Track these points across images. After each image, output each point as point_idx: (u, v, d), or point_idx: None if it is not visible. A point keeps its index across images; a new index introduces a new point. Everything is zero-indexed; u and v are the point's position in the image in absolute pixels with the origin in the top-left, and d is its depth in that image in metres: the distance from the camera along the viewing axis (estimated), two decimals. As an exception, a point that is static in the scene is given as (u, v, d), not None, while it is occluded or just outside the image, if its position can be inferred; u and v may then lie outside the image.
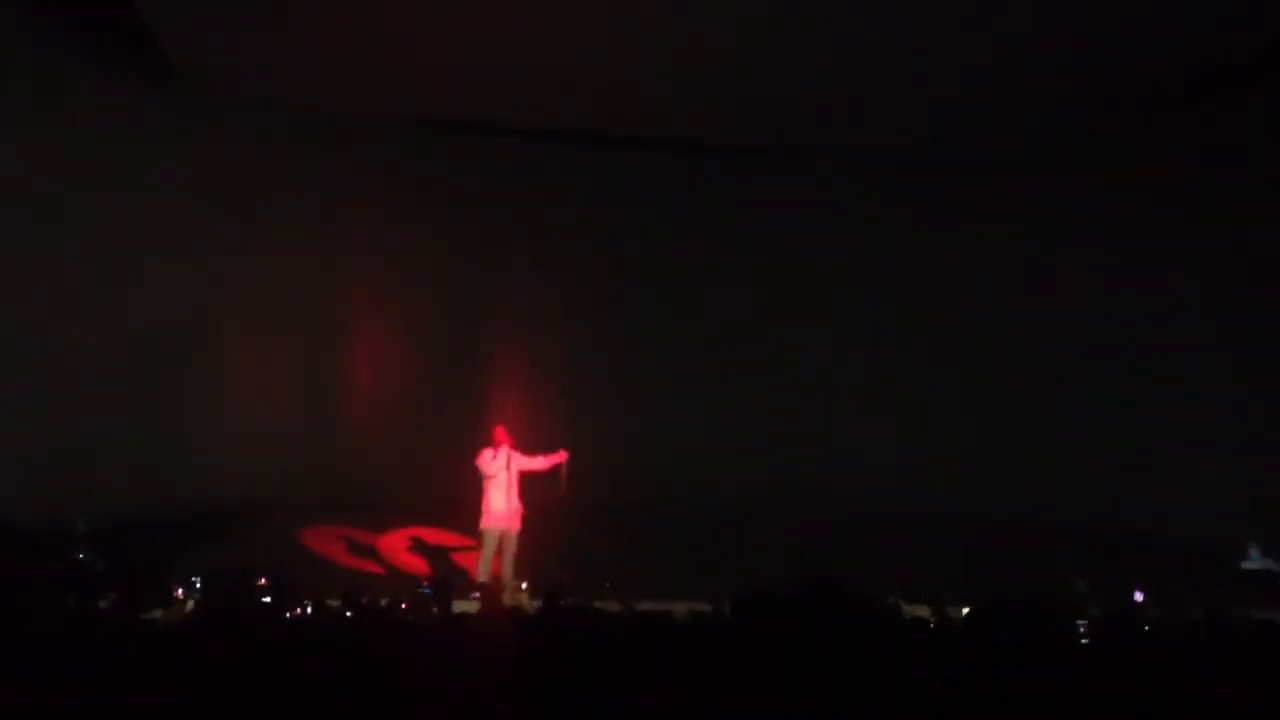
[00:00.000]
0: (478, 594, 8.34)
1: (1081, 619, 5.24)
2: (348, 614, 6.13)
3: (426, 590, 6.94)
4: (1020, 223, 14.59)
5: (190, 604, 6.87)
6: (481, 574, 9.79)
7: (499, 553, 9.87)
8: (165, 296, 12.85)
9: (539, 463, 10.06)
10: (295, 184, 13.65)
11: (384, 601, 6.66)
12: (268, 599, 6.73)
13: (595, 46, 11.46)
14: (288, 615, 6.17)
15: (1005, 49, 11.26)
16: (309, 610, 6.39)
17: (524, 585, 9.07)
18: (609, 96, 12.92)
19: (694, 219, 14.95)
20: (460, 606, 7.07)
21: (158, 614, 6.58)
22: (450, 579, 8.49)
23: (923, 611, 6.33)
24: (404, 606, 6.63)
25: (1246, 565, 11.24)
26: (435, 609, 6.54)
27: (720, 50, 11.41)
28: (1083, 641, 5.09)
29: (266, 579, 7.20)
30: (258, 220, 13.54)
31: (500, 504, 9.84)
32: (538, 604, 7.79)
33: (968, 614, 5.64)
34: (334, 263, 13.91)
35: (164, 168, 12.92)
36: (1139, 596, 7.51)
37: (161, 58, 11.97)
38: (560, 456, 10.02)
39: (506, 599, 7.49)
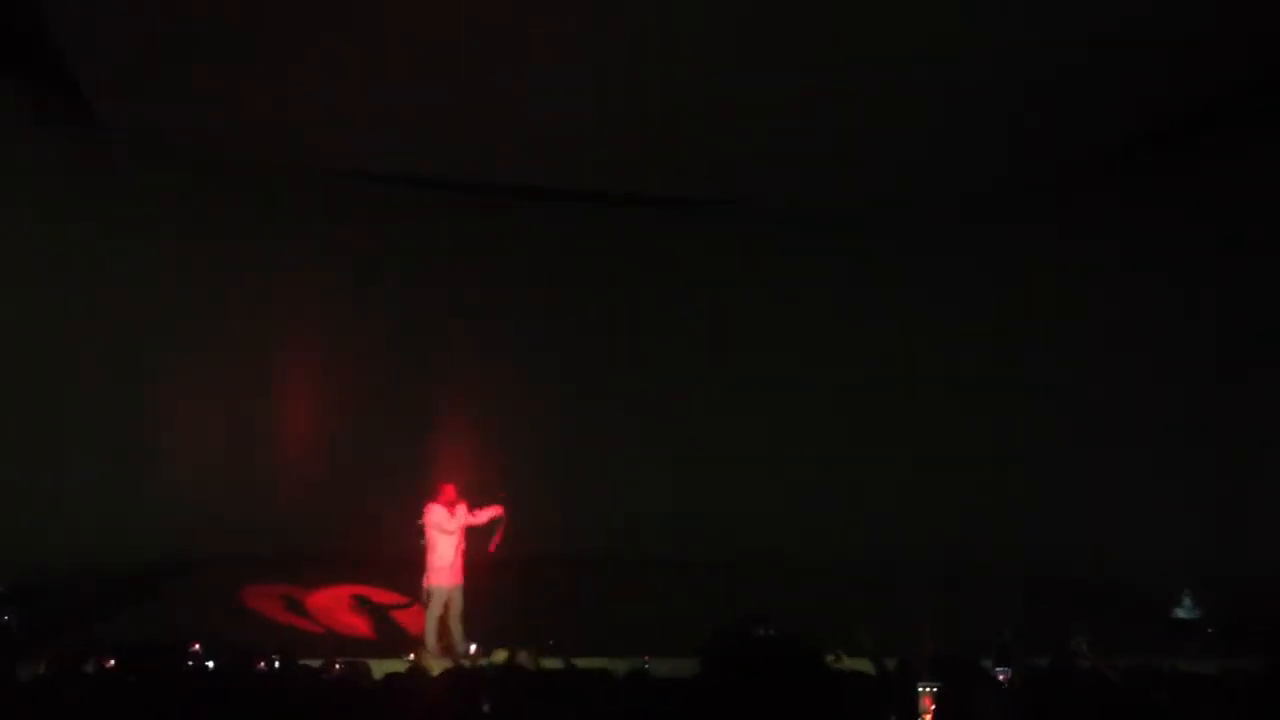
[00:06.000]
0: (412, 655, 8.18)
1: (1005, 665, 5.28)
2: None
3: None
4: (968, 272, 14.76)
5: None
6: (429, 633, 9.55)
7: (446, 612, 9.68)
8: (94, 348, 12.61)
9: (481, 517, 9.92)
10: (229, 236, 13.53)
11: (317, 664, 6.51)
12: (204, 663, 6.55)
13: (551, 106, 11.51)
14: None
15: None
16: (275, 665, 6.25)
17: (473, 647, 8.89)
18: (542, 152, 12.93)
19: (641, 275, 15.05)
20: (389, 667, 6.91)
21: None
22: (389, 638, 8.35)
23: (863, 665, 6.35)
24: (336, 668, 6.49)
25: (1179, 614, 11.38)
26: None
27: (663, 106, 11.51)
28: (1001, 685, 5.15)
29: (200, 642, 7.00)
30: (191, 273, 13.40)
31: (448, 560, 9.66)
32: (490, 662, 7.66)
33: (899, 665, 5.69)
34: (269, 315, 13.79)
35: (96, 216, 12.70)
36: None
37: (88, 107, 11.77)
38: (498, 511, 9.89)
39: (436, 660, 7.28)
